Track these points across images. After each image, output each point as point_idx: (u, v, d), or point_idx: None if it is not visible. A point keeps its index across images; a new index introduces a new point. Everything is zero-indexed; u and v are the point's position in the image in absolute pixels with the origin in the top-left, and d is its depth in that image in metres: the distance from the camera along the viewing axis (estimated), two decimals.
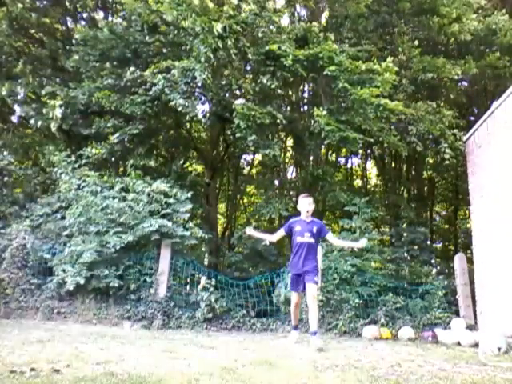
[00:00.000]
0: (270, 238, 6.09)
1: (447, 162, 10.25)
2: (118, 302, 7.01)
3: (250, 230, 5.42)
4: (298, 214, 5.29)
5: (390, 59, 8.02)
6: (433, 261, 10.42)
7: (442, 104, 9.59)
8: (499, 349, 4.76)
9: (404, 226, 10.33)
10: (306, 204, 5.08)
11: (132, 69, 8.49)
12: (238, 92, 9.08)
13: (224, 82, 8.62)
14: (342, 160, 14.30)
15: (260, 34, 8.11)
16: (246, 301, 7.52)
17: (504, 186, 5.92)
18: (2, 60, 10.15)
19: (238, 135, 7.98)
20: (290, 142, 12.83)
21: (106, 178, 8.11)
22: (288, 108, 11.04)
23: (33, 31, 10.53)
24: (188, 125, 11.59)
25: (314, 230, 5.00)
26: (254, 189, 13.92)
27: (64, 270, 6.97)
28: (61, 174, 7.98)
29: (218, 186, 13.34)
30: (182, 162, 12.00)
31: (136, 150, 9.14)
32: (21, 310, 7.07)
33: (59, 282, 6.99)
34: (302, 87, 11.40)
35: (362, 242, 5.20)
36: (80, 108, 8.89)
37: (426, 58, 9.09)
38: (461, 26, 9.12)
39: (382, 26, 10.03)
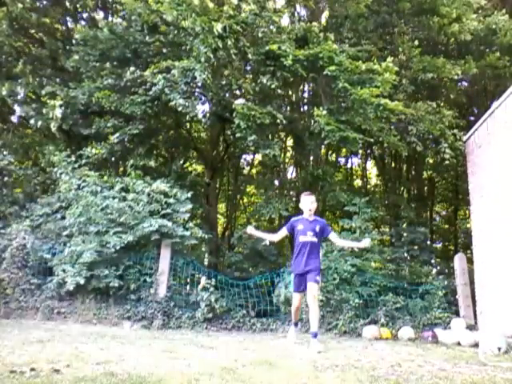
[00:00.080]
0: (271, 238, 5.92)
1: (447, 161, 10.25)
2: (118, 302, 7.02)
3: (250, 230, 5.29)
4: (298, 213, 5.26)
5: (389, 59, 8.02)
6: (433, 261, 10.42)
7: (441, 104, 9.59)
8: (499, 349, 4.76)
9: (404, 226, 10.33)
10: (308, 202, 4.97)
11: (132, 69, 8.49)
12: (238, 92, 9.08)
13: (224, 82, 8.62)
14: (342, 160, 14.31)
15: (260, 34, 8.10)
16: (246, 301, 7.52)
17: (504, 186, 5.92)
18: (1, 60, 10.15)
19: (238, 135, 7.97)
20: (290, 142, 12.83)
21: (105, 177, 8.11)
22: (288, 108, 11.03)
23: (33, 31, 10.53)
24: (188, 125, 11.59)
25: (317, 228, 4.91)
26: (254, 189, 13.92)
27: (64, 270, 6.97)
28: (61, 174, 7.98)
29: (218, 185, 13.34)
30: (182, 162, 12.00)
31: (136, 150, 9.14)
32: (21, 309, 7.07)
33: (59, 282, 6.99)
34: (302, 87, 11.40)
35: (365, 242, 5.13)
36: (80, 108, 8.88)
37: (425, 58, 9.08)
38: (461, 25, 9.11)
39: (382, 26, 10.03)
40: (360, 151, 12.93)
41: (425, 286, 7.69)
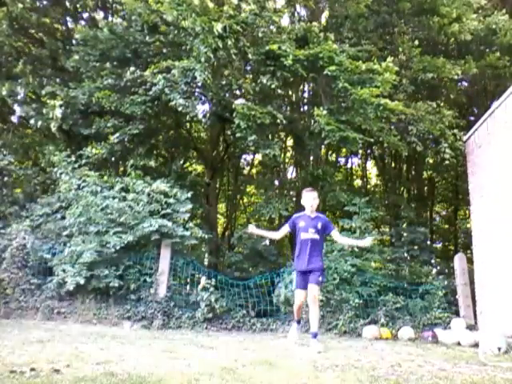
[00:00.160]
0: (273, 235, 5.86)
1: (447, 162, 10.25)
2: (118, 302, 7.02)
3: (252, 228, 5.16)
4: (299, 211, 5.21)
5: (390, 59, 8.02)
6: (433, 261, 10.42)
7: (441, 104, 9.59)
8: (499, 349, 4.76)
9: (404, 226, 10.33)
10: (310, 198, 4.86)
11: (132, 69, 8.49)
12: (238, 92, 9.08)
13: (224, 82, 8.62)
14: (342, 160, 14.32)
15: (260, 34, 8.11)
16: (246, 301, 7.52)
17: (504, 186, 5.92)
18: (1, 60, 10.15)
19: (238, 135, 7.97)
20: (290, 142, 12.83)
21: (105, 177, 8.11)
22: (288, 108, 11.04)
23: (33, 31, 10.53)
24: (188, 125, 11.59)
25: (319, 225, 4.79)
26: (254, 189, 13.92)
27: (64, 270, 6.97)
28: (61, 174, 7.98)
29: (218, 186, 13.34)
30: (182, 162, 12.00)
31: (136, 150, 9.14)
32: (21, 310, 7.07)
33: (59, 282, 6.99)
34: (302, 87, 11.40)
35: (368, 240, 5.05)
36: (80, 108, 8.88)
37: (426, 57, 9.08)
38: (461, 25, 9.11)
39: (382, 26, 10.03)
40: (360, 151, 12.94)
41: (425, 286, 7.69)
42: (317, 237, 4.77)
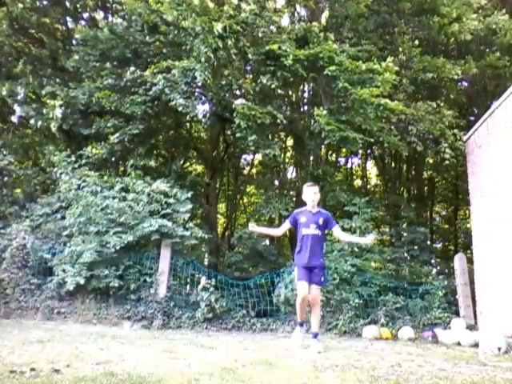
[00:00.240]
0: (274, 232, 5.82)
1: (447, 162, 10.25)
2: (118, 302, 7.02)
3: (252, 227, 5.01)
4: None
5: (390, 59, 8.02)
6: (433, 261, 10.41)
7: (442, 104, 9.58)
8: (499, 349, 4.76)
9: (404, 226, 10.33)
10: (311, 193, 4.73)
11: (132, 69, 8.49)
12: (238, 92, 9.08)
13: (224, 82, 8.62)
14: (342, 160, 14.31)
15: (260, 34, 8.11)
16: (246, 301, 7.53)
17: (504, 186, 5.92)
18: (1, 60, 10.16)
19: (238, 135, 7.98)
20: (290, 142, 12.83)
21: (105, 177, 8.11)
22: (288, 108, 11.04)
23: (33, 31, 10.53)
24: (188, 125, 11.59)
25: (320, 221, 4.66)
26: (254, 189, 13.92)
27: (64, 270, 6.97)
28: (61, 173, 7.98)
29: (218, 185, 13.34)
30: (182, 162, 12.00)
31: (136, 150, 9.14)
32: (21, 310, 7.08)
33: (59, 282, 6.99)
34: (302, 87, 11.40)
35: (370, 238, 4.97)
36: (80, 108, 8.89)
37: (426, 57, 9.08)
38: (461, 25, 9.11)
39: (382, 26, 10.03)
40: (360, 151, 12.93)
41: (425, 285, 7.69)
42: (318, 232, 4.65)
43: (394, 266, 8.50)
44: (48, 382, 2.58)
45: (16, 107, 10.22)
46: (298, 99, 11.46)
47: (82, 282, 6.74)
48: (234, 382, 2.78)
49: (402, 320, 6.88)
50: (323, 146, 11.30)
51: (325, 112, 7.82)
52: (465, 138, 7.70)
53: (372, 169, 15.36)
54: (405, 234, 9.74)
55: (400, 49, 9.38)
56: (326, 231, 5.02)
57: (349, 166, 14.73)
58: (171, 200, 7.59)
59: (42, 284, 7.28)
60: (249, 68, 9.31)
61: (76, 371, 2.88)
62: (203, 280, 7.05)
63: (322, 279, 4.67)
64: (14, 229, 7.67)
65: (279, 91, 9.57)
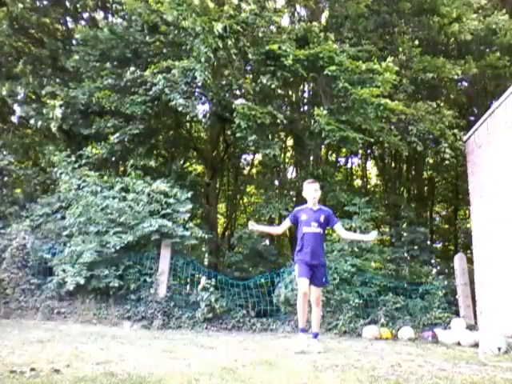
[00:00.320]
0: (274, 231, 5.75)
1: (447, 161, 10.25)
2: (118, 302, 7.02)
3: (252, 225, 4.88)
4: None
5: (390, 59, 8.02)
6: (433, 261, 10.42)
7: (442, 104, 9.58)
8: (499, 349, 4.76)
9: (404, 226, 10.33)
10: (311, 190, 4.61)
11: (132, 69, 8.49)
12: (238, 92, 9.08)
13: (224, 82, 8.62)
14: (342, 160, 14.31)
15: (260, 34, 8.11)
16: (246, 301, 7.52)
17: (504, 186, 5.92)
18: (1, 60, 10.16)
19: (238, 135, 7.98)
20: (290, 142, 12.83)
21: (105, 177, 8.11)
22: (288, 108, 11.04)
23: (33, 31, 10.54)
24: (188, 125, 11.59)
25: (322, 219, 4.54)
26: (254, 189, 13.92)
27: (64, 270, 6.97)
28: (61, 174, 7.99)
29: (218, 186, 13.35)
30: (182, 162, 12.01)
31: (136, 150, 9.14)
32: (21, 310, 7.08)
33: (59, 282, 7.00)
34: (302, 87, 11.41)
35: (372, 235, 4.82)
36: (80, 108, 8.89)
37: (426, 57, 9.08)
38: (461, 25, 9.11)
39: (382, 26, 10.03)
40: (360, 151, 12.93)
41: (425, 285, 7.69)
42: (319, 231, 4.53)
43: (393, 266, 8.50)
44: (48, 382, 2.58)
45: (16, 107, 10.23)
46: (297, 99, 11.46)
47: (81, 282, 6.75)
48: (234, 381, 2.78)
49: (402, 320, 6.88)
50: (323, 146, 11.30)
51: (325, 112, 7.82)
52: (465, 137, 7.70)
53: (372, 169, 15.36)
54: (405, 234, 9.74)
55: (400, 49, 9.38)
56: (328, 229, 4.90)
57: (349, 166, 14.74)
58: (171, 200, 7.59)
59: (42, 284, 7.29)
60: (249, 68, 9.31)
61: (76, 371, 2.88)
62: (203, 280, 7.05)
63: (324, 280, 4.60)
64: (14, 229, 7.67)
65: (279, 91, 9.57)
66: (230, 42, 7.55)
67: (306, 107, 11.46)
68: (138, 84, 8.46)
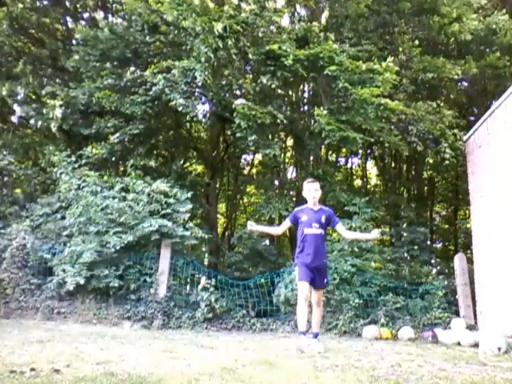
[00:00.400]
0: (274, 231, 5.67)
1: (447, 161, 10.25)
2: (118, 302, 7.02)
3: (251, 225, 4.74)
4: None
5: (390, 59, 8.02)
6: (433, 261, 10.42)
7: (442, 104, 9.58)
8: (499, 349, 4.76)
9: (404, 225, 10.33)
10: (311, 190, 4.49)
11: (132, 69, 8.49)
12: (238, 92, 9.09)
13: (224, 82, 8.62)
14: (341, 160, 14.31)
15: (260, 34, 8.11)
16: (246, 301, 7.53)
17: (504, 186, 5.92)
18: (1, 60, 10.16)
19: (238, 135, 7.98)
20: (290, 142, 12.83)
21: (105, 177, 8.12)
22: (288, 108, 11.04)
23: (33, 31, 10.54)
24: (188, 125, 11.59)
25: (323, 219, 4.42)
26: (254, 189, 13.92)
27: (64, 270, 6.97)
28: (61, 173, 7.99)
29: (218, 186, 13.34)
30: (182, 162, 12.01)
31: (136, 150, 9.14)
32: (21, 310, 7.08)
33: (59, 282, 7.00)
34: (302, 87, 11.41)
35: (375, 233, 4.70)
36: (80, 108, 8.90)
37: (426, 57, 9.09)
38: (461, 25, 9.12)
39: (383, 26, 10.03)
40: (360, 151, 12.93)
41: (425, 286, 7.69)
42: (321, 232, 4.42)
43: (394, 266, 8.50)
44: (48, 382, 2.57)
45: (16, 107, 10.24)
46: (298, 99, 11.46)
47: (82, 282, 6.75)
48: (234, 381, 2.78)
49: (402, 320, 6.88)
50: (323, 146, 11.30)
51: (325, 112, 7.82)
52: (465, 137, 7.70)
53: (372, 169, 15.36)
54: (405, 234, 9.74)
55: (400, 49, 9.39)
56: (328, 229, 4.80)
57: (349, 166, 14.75)
58: (171, 200, 7.59)
59: (42, 284, 7.29)
60: (249, 68, 9.31)
61: (76, 371, 2.88)
62: (203, 280, 7.05)
63: (325, 281, 4.54)
64: (14, 229, 7.67)
65: (279, 91, 9.57)
66: (230, 42, 7.55)
67: (306, 107, 11.46)
68: (138, 84, 8.47)
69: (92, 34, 8.99)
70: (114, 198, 7.50)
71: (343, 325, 6.74)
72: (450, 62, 9.07)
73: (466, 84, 11.64)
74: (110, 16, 11.31)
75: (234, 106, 7.79)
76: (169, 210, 7.51)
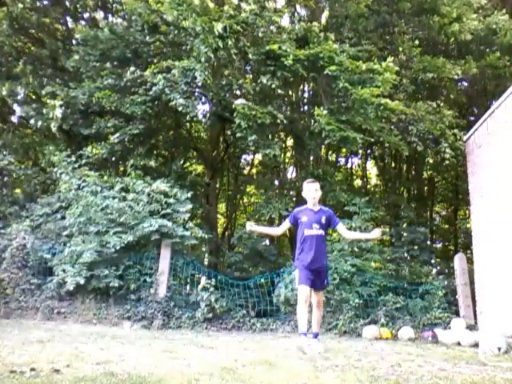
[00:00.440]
0: (273, 232, 5.61)
1: (447, 161, 10.26)
2: (118, 302, 7.02)
3: (250, 226, 4.63)
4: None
5: (390, 59, 8.02)
6: (433, 261, 10.42)
7: (442, 104, 9.59)
8: (499, 349, 4.76)
9: (404, 225, 10.33)
10: (311, 190, 4.41)
11: (132, 69, 8.50)
12: (238, 92, 9.09)
13: (224, 82, 8.63)
14: (341, 160, 14.32)
15: (260, 34, 8.11)
16: (246, 301, 7.53)
17: (504, 186, 5.92)
18: (2, 60, 10.17)
19: (238, 135, 7.98)
20: (290, 142, 12.83)
21: (105, 177, 8.12)
22: (288, 108, 11.04)
23: (33, 31, 10.54)
24: (188, 125, 11.59)
25: (323, 220, 4.35)
26: (254, 189, 13.92)
27: (64, 270, 6.97)
28: (61, 173, 7.99)
29: (218, 186, 13.34)
30: (182, 162, 12.01)
31: (136, 150, 9.15)
32: (21, 310, 7.08)
33: (59, 282, 7.00)
34: (302, 87, 11.41)
35: (376, 232, 4.57)
36: (80, 108, 8.90)
37: (426, 57, 9.09)
38: (461, 25, 9.12)
39: (383, 26, 10.04)
40: (360, 151, 12.93)
41: (425, 286, 7.69)
42: (321, 233, 4.34)
43: (394, 266, 8.50)
44: (48, 382, 2.57)
45: (16, 107, 10.24)
46: (298, 99, 11.46)
47: (82, 282, 6.75)
48: (234, 381, 2.78)
49: (402, 320, 6.88)
50: (323, 146, 11.30)
51: (325, 112, 7.82)
52: (465, 137, 7.70)
53: (372, 169, 15.36)
54: (405, 234, 9.74)
55: (400, 49, 9.40)
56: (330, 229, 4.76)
57: (349, 165, 14.75)
58: (171, 200, 7.59)
59: (42, 284, 7.29)
60: (249, 68, 9.31)
61: (76, 371, 2.88)
62: (203, 280, 7.05)
63: (325, 282, 4.52)
64: (14, 229, 7.67)
65: (279, 91, 9.57)
66: (230, 42, 7.55)
67: (306, 107, 11.47)
68: (138, 84, 8.47)
69: (92, 34, 8.99)
70: (113, 198, 7.50)
71: (343, 325, 6.74)
72: (449, 62, 9.07)
73: (466, 84, 11.64)
74: (110, 16, 11.31)
75: (234, 106, 7.78)
76: (169, 210, 7.51)
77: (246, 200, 15.12)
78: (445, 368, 3.56)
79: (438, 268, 10.48)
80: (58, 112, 8.27)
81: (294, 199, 10.60)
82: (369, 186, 14.59)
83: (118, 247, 6.96)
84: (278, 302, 7.27)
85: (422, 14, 9.66)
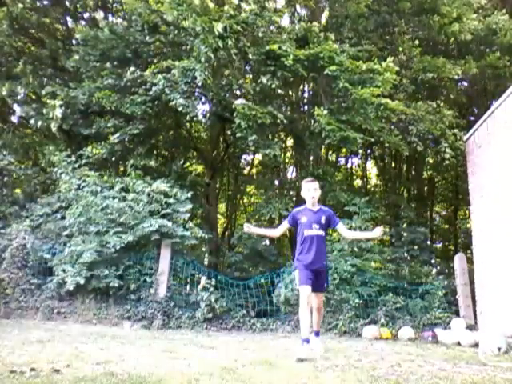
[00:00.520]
0: (272, 233, 5.51)
1: (447, 161, 10.26)
2: (118, 302, 7.02)
3: (247, 227, 4.53)
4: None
5: (390, 59, 8.02)
6: (433, 261, 10.42)
7: (442, 104, 9.58)
8: (499, 349, 4.76)
9: (404, 225, 10.33)
10: (310, 189, 4.33)
11: (132, 69, 8.50)
12: (238, 92, 9.09)
13: (224, 82, 8.63)
14: (341, 160, 14.31)
15: (260, 34, 8.11)
16: (246, 301, 7.53)
17: (504, 186, 5.92)
18: (2, 60, 10.17)
19: (238, 135, 7.98)
20: (290, 142, 12.82)
21: (105, 177, 8.12)
22: (288, 108, 11.04)
23: (33, 31, 10.54)
24: (188, 125, 11.59)
25: (323, 220, 4.28)
26: (254, 189, 13.91)
27: (64, 270, 6.98)
28: (61, 174, 7.99)
29: (218, 186, 13.34)
30: (182, 162, 12.00)
31: (136, 150, 9.15)
32: (21, 310, 7.08)
33: (59, 282, 7.00)
34: (302, 87, 11.40)
35: (377, 231, 4.43)
36: (80, 108, 8.90)
37: (426, 57, 9.09)
38: (461, 25, 9.12)
39: (383, 26, 10.04)
40: (360, 151, 12.93)
41: (425, 286, 7.69)
42: (321, 233, 4.27)
43: (394, 266, 8.50)
44: (48, 382, 2.58)
45: (16, 107, 10.24)
46: (298, 99, 11.46)
47: (82, 282, 6.75)
48: (234, 381, 2.78)
49: (402, 320, 6.88)
50: (323, 146, 11.30)
51: (325, 112, 7.82)
52: (465, 137, 7.70)
53: (372, 169, 15.36)
54: (405, 234, 9.74)
55: (400, 49, 9.40)
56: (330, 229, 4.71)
57: (349, 165, 14.74)
58: (171, 200, 7.59)
59: (42, 284, 7.29)
60: (249, 68, 9.31)
61: (76, 371, 2.88)
62: (203, 280, 7.05)
63: (325, 285, 4.48)
64: (14, 229, 7.67)
65: (279, 91, 9.57)
66: (230, 42, 7.55)
67: (306, 107, 11.46)
68: (138, 84, 8.47)
69: (92, 34, 8.99)
70: (113, 198, 7.50)
71: (343, 325, 6.74)
72: (449, 62, 9.07)
73: (466, 84, 11.64)
74: (110, 16, 11.32)
75: (234, 106, 7.78)
76: (169, 210, 7.51)
77: (246, 200, 15.11)
78: (445, 368, 3.56)
79: (438, 268, 10.48)
80: (58, 112, 8.27)
81: (294, 199, 10.60)
82: (369, 186, 14.58)
83: (117, 247, 6.96)
84: (278, 302, 7.27)
85: (421, 14, 9.66)
